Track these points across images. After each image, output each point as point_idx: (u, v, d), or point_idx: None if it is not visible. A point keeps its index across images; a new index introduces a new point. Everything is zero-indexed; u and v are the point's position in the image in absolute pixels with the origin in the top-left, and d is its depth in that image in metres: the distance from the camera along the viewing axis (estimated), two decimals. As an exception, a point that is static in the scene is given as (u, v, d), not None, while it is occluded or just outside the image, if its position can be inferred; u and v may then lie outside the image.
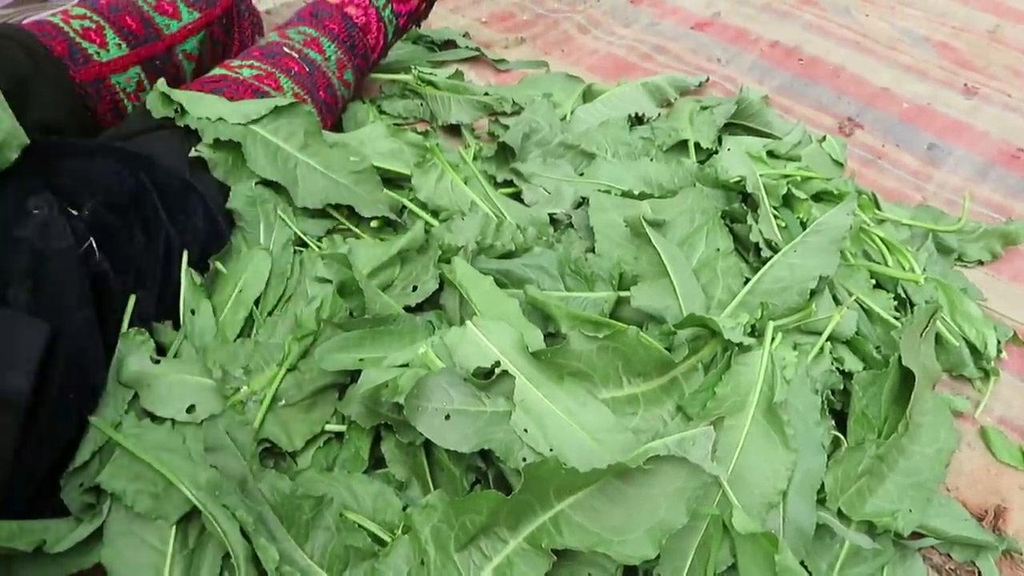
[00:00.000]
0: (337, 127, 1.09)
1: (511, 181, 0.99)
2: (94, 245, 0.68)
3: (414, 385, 0.61)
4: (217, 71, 0.95)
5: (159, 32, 1.05)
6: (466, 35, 1.35)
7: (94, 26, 0.96)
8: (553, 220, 0.93)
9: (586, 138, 1.05)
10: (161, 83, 0.88)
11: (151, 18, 1.05)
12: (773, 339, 0.71)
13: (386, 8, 1.12)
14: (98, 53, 0.94)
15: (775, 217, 0.90)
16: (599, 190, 0.94)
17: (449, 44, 1.32)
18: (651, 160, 1.01)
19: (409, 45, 1.30)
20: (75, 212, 0.68)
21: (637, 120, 1.15)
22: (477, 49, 1.30)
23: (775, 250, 0.83)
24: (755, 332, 0.72)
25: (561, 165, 1.01)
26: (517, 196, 0.99)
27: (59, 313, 0.63)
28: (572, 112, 1.13)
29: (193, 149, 0.84)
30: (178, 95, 0.86)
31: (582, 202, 0.96)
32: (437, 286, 0.77)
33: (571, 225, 0.92)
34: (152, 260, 0.74)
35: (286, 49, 0.99)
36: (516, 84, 1.24)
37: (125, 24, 1.02)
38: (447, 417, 0.61)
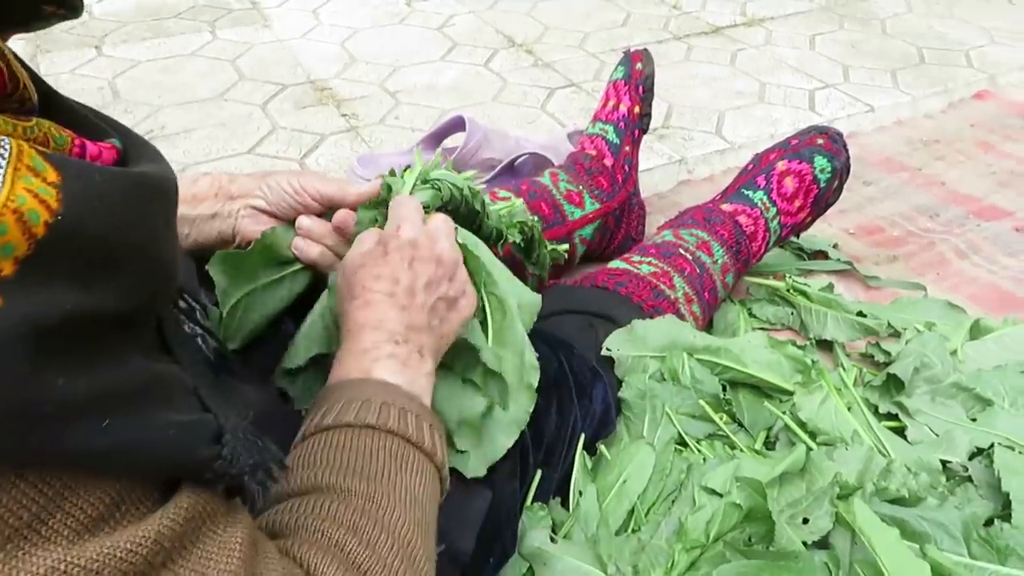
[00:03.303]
0: (708, 326, 1.13)
1: (893, 414, 0.95)
2: (525, 422, 0.75)
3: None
4: (620, 264, 1.03)
5: (564, 218, 1.18)
6: (835, 246, 1.35)
7: None
8: (945, 467, 0.87)
9: (980, 381, 0.98)
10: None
11: (560, 205, 1.18)
12: None
13: (774, 219, 1.16)
14: None
15: None
16: (1000, 444, 0.87)
17: (819, 254, 1.32)
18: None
19: (777, 249, 1.33)
20: (513, 389, 0.76)
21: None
22: (848, 263, 1.30)
23: None
24: None
25: (952, 407, 0.95)
26: (899, 431, 0.94)
27: (494, 481, 0.69)
28: (960, 348, 1.06)
29: (604, 348, 0.91)
30: (591, 287, 0.95)
31: (976, 452, 0.89)
32: (831, 526, 0.74)
33: (969, 479, 0.86)
34: (561, 440, 0.80)
35: (681, 251, 1.06)
36: (889, 304, 1.20)
37: (539, 210, 1.16)
38: None
